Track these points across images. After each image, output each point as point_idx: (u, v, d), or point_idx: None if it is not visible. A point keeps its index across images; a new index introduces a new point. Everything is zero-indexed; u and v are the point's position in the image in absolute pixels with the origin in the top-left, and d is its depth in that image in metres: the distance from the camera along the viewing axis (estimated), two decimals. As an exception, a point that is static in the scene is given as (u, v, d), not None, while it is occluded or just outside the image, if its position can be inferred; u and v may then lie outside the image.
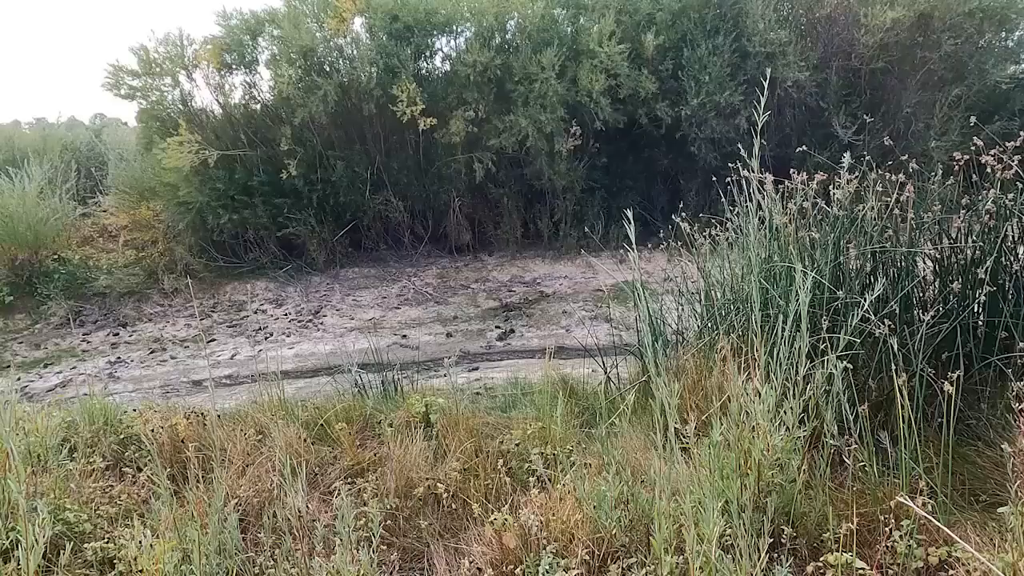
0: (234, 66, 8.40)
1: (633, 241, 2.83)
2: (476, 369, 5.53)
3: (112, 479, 3.04)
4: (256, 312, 7.50)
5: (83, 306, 7.61)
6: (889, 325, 2.73)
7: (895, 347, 2.61)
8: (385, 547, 2.55)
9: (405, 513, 2.80)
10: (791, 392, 2.46)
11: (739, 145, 3.61)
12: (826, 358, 2.62)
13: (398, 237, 8.98)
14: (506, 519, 2.34)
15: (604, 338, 5.16)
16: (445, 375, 4.01)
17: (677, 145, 8.64)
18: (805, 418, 2.56)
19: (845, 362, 2.58)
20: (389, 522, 2.70)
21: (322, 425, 3.54)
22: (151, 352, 6.47)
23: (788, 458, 2.38)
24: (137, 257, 8.38)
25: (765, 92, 2.86)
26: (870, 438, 2.58)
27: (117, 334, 7.02)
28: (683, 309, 4.06)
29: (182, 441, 3.24)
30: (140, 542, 1.99)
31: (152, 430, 3.26)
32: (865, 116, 6.61)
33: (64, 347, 6.68)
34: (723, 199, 3.98)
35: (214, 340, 6.72)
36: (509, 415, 3.78)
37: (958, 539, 1.65)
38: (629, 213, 2.83)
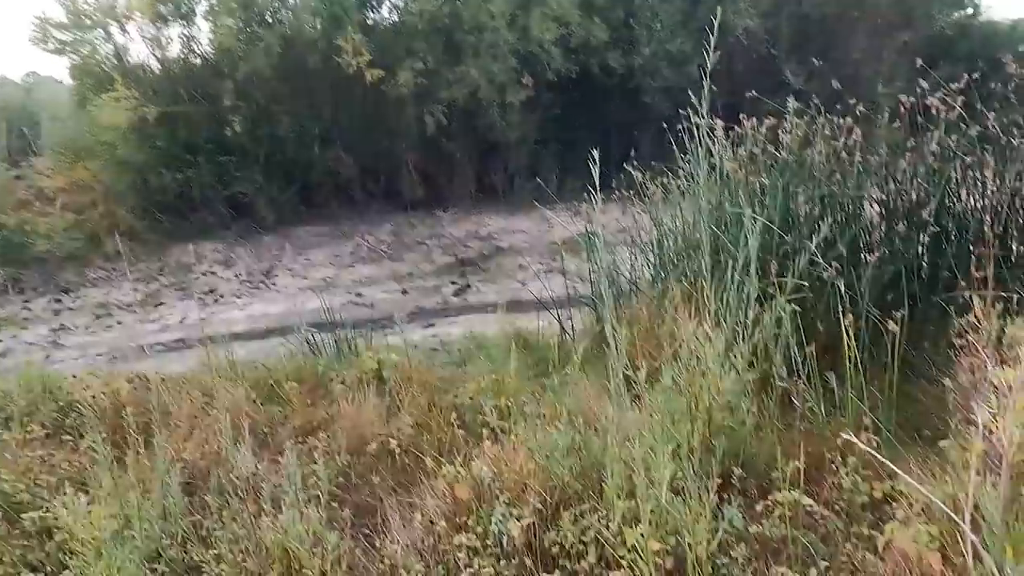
0: (170, 18, 8.03)
1: (597, 186, 2.77)
2: (432, 325, 5.49)
3: (52, 448, 2.94)
4: (205, 274, 7.30)
5: (22, 273, 7.32)
6: (836, 268, 2.75)
7: (842, 289, 2.64)
8: (337, 504, 2.51)
9: (358, 469, 2.76)
10: (741, 336, 2.47)
11: (692, 94, 3.55)
12: (775, 301, 2.63)
13: (350, 194, 8.79)
14: (459, 471, 2.32)
15: (560, 291, 5.14)
16: (400, 332, 3.95)
17: (630, 95, 8.57)
18: (755, 361, 2.57)
19: (793, 305, 2.60)
20: (341, 479, 2.67)
21: (272, 385, 3.46)
22: (96, 318, 6.27)
23: (738, 401, 2.39)
24: (77, 220, 8.04)
25: (715, 33, 2.81)
26: (818, 379, 2.62)
27: (60, 300, 6.78)
28: (636, 258, 4.05)
29: (124, 406, 3.13)
30: (76, 509, 1.92)
31: (93, 396, 3.16)
32: (815, 61, 6.60)
33: (3, 315, 6.43)
34: (675, 148, 3.94)
35: (162, 304, 6.54)
36: (464, 369, 3.76)
37: (901, 473, 1.68)
38: (596, 153, 2.76)
